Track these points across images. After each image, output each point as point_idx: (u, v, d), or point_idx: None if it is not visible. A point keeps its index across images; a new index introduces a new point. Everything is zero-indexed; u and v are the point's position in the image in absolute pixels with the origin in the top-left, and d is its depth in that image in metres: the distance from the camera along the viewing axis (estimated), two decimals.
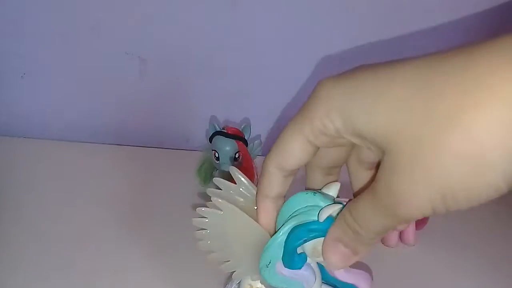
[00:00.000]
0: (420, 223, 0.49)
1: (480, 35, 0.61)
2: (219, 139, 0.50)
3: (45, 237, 0.46)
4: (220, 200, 0.29)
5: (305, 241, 0.27)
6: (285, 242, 0.28)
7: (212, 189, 0.31)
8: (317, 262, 0.30)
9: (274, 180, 0.28)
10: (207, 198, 0.30)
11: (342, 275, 0.30)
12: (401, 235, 0.49)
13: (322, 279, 0.31)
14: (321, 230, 0.27)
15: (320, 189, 0.29)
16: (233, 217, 0.29)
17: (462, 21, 0.60)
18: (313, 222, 0.27)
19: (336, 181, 0.30)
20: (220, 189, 0.31)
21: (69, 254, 0.44)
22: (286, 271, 0.28)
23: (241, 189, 0.31)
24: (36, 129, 0.67)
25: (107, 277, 0.42)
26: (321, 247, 0.27)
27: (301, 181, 0.31)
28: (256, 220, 0.29)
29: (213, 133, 0.51)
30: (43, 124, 0.67)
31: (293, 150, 0.26)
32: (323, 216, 0.26)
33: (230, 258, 0.30)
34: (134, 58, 0.63)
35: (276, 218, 0.29)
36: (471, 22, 0.60)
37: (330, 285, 0.31)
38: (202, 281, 0.40)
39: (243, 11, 0.59)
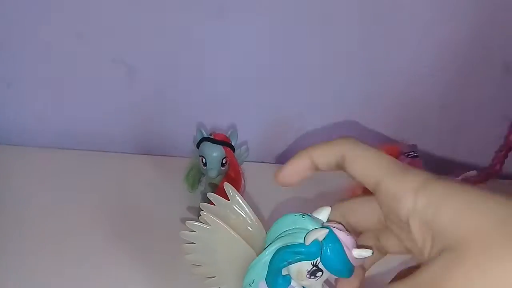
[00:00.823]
0: None
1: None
2: (206, 145, 0.50)
3: (30, 243, 0.46)
4: (209, 215, 0.29)
5: (290, 263, 0.27)
6: (270, 262, 0.28)
7: (206, 203, 0.31)
8: (302, 286, 0.29)
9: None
10: (195, 210, 0.30)
11: None
12: None
13: None
14: (306, 253, 0.27)
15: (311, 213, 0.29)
16: (221, 233, 0.29)
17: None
18: (299, 244, 0.27)
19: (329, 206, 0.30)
20: (213, 204, 0.31)
21: (54, 263, 0.44)
22: None
23: (234, 206, 0.31)
24: (22, 137, 0.66)
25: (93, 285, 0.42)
26: (305, 270, 0.27)
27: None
28: (245, 238, 0.29)
29: (200, 139, 0.51)
30: (29, 132, 0.67)
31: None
32: (309, 240, 0.26)
33: (215, 274, 0.30)
34: (120, 65, 0.63)
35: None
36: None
37: None
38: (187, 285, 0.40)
39: (230, 19, 0.59)
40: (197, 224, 0.30)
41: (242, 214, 0.31)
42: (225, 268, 0.30)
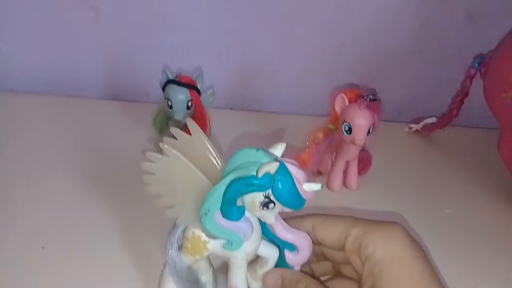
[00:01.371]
0: (363, 168, 0.52)
1: None
2: (171, 87, 0.50)
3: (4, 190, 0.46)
4: (167, 147, 0.30)
5: (242, 194, 0.29)
6: (224, 193, 0.29)
7: (168, 137, 0.32)
8: (257, 219, 0.31)
9: None
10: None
11: (282, 234, 0.32)
12: (344, 180, 0.52)
13: (263, 235, 0.32)
14: (258, 185, 0.28)
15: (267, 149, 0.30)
16: (179, 164, 0.30)
17: None
18: (252, 176, 0.28)
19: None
20: (176, 139, 0.32)
21: (26, 203, 0.45)
22: (224, 222, 0.29)
23: (195, 141, 0.31)
24: None
25: (65, 220, 0.43)
26: (258, 201, 0.28)
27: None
28: (204, 171, 0.30)
29: (166, 82, 0.51)
30: None
31: None
32: (261, 172, 0.27)
33: (174, 204, 0.31)
34: (87, 7, 0.62)
35: None
36: None
37: (270, 241, 0.33)
38: (150, 227, 0.42)
39: None
40: (157, 155, 0.30)
41: (203, 149, 0.32)
42: (184, 199, 0.31)
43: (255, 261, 0.34)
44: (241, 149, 0.30)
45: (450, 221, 0.49)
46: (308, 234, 0.33)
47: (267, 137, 0.59)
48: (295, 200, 0.29)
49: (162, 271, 0.34)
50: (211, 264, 0.35)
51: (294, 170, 0.28)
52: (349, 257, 0.31)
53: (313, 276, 0.35)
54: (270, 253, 0.32)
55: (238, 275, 0.32)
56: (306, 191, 0.29)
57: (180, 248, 0.32)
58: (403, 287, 0.28)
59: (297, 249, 0.32)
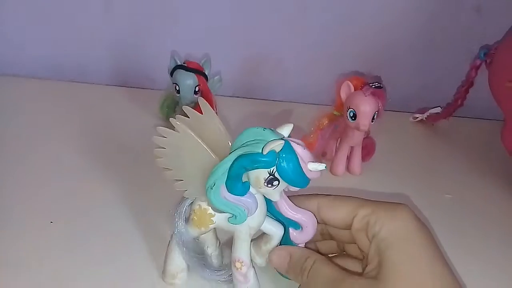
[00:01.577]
0: (367, 154, 0.53)
1: None
2: (179, 73, 0.51)
3: (9, 169, 0.47)
4: (178, 123, 0.31)
5: (247, 170, 0.29)
6: (229, 168, 0.30)
7: (181, 115, 0.33)
8: (263, 196, 0.31)
9: None
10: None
11: (287, 211, 0.32)
12: (348, 166, 0.52)
13: (269, 212, 0.33)
14: (263, 161, 0.29)
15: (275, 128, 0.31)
16: (188, 140, 0.31)
17: None
18: (257, 153, 0.29)
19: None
20: (188, 117, 0.33)
21: (35, 181, 0.46)
22: (229, 196, 0.30)
23: (206, 118, 0.32)
24: None
25: (72, 197, 0.44)
26: (262, 178, 0.29)
27: None
28: (212, 148, 0.31)
29: (174, 67, 0.52)
30: (5, 61, 0.67)
31: None
32: (267, 149, 0.28)
33: (183, 178, 0.32)
34: None
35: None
36: None
37: (275, 219, 0.33)
38: (157, 204, 0.43)
39: None
40: (167, 130, 0.31)
41: (213, 127, 0.32)
42: (191, 173, 0.32)
43: (260, 237, 0.35)
44: (248, 127, 0.31)
45: (450, 207, 0.49)
46: (313, 214, 0.33)
47: (273, 122, 0.60)
48: (299, 178, 0.29)
49: (169, 242, 0.35)
50: (217, 238, 0.36)
51: (299, 149, 0.29)
52: (355, 236, 0.32)
53: (318, 253, 0.36)
54: (274, 230, 0.33)
55: (242, 249, 0.33)
56: (310, 171, 0.29)
57: (187, 220, 0.33)
58: (410, 264, 0.28)
59: (302, 227, 0.33)
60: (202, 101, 0.33)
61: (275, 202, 0.32)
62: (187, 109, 0.33)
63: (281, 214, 0.33)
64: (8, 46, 0.67)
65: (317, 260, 0.32)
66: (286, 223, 0.33)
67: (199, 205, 0.33)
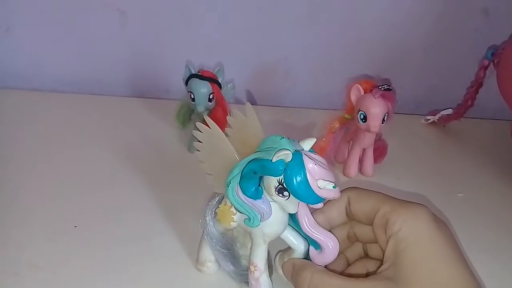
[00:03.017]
0: (379, 156, 0.54)
1: None
2: (194, 81, 0.53)
3: (30, 180, 0.49)
4: (210, 119, 0.33)
5: (256, 174, 0.31)
6: (243, 170, 0.31)
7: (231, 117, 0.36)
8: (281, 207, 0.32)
9: None
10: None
11: (306, 228, 0.32)
12: (361, 167, 0.53)
13: (294, 226, 0.34)
14: (270, 168, 0.30)
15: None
16: (217, 137, 0.33)
17: None
18: (267, 160, 0.30)
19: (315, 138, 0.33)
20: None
21: (61, 187, 0.48)
22: (243, 197, 0.31)
23: (249, 122, 0.35)
24: (19, 80, 0.69)
25: (96, 202, 0.46)
26: (273, 186, 0.30)
27: None
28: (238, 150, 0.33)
29: (188, 76, 0.54)
30: (26, 76, 0.70)
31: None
32: (276, 157, 0.29)
33: (212, 172, 0.34)
34: (113, 10, 0.65)
35: None
36: None
37: (299, 233, 0.34)
38: (187, 200, 0.45)
39: None
40: (203, 126, 0.34)
41: (253, 130, 0.35)
42: (219, 169, 0.34)
43: (286, 250, 0.36)
44: (270, 135, 0.32)
45: (462, 206, 0.50)
46: (346, 208, 0.34)
47: (284, 129, 0.62)
48: (304, 193, 0.29)
49: (201, 236, 0.37)
50: (250, 240, 0.37)
51: (310, 164, 0.29)
52: (375, 231, 0.32)
53: (348, 263, 0.36)
54: (296, 243, 0.34)
55: (256, 253, 0.34)
56: (319, 188, 0.29)
57: (215, 215, 0.35)
58: (428, 266, 0.28)
59: (321, 249, 0.33)
60: (248, 106, 0.35)
61: (297, 216, 0.32)
62: (235, 112, 0.36)
63: (303, 231, 0.33)
64: (28, 62, 0.69)
65: (314, 272, 0.32)
66: (308, 240, 0.33)
67: (225, 202, 0.34)
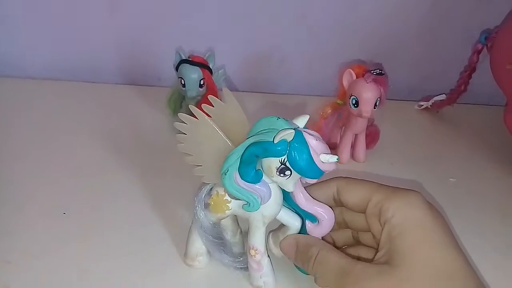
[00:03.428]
0: (371, 142, 0.53)
1: None
2: (184, 67, 0.52)
3: (27, 166, 0.49)
4: (196, 109, 0.32)
5: (258, 157, 0.30)
6: (242, 155, 0.30)
7: (206, 104, 0.34)
8: (278, 186, 0.32)
9: None
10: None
11: (303, 203, 0.33)
12: (353, 153, 0.53)
13: (288, 204, 0.33)
14: (273, 150, 0.29)
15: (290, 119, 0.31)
16: (205, 126, 0.32)
17: None
18: (269, 142, 0.29)
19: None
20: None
21: (50, 174, 0.48)
22: (242, 183, 0.31)
23: (230, 108, 0.34)
24: (10, 68, 0.69)
25: (84, 189, 0.46)
26: (274, 167, 0.30)
27: None
28: (228, 135, 0.32)
29: (179, 62, 0.53)
30: (17, 64, 0.69)
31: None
32: (278, 138, 0.29)
33: (201, 163, 0.33)
34: None
35: None
36: None
37: (294, 211, 0.34)
38: (179, 189, 0.44)
39: None
40: (188, 117, 0.32)
41: (235, 116, 0.34)
42: (209, 159, 0.33)
43: (278, 228, 0.35)
44: (263, 117, 0.31)
45: (454, 190, 0.50)
46: (333, 196, 0.34)
47: (281, 114, 0.61)
48: (309, 169, 0.29)
49: (190, 227, 0.36)
50: (238, 226, 0.37)
51: (312, 140, 0.29)
52: (368, 221, 0.32)
53: (334, 245, 0.36)
54: (292, 221, 0.34)
55: (256, 237, 0.34)
56: (322, 162, 0.29)
57: (206, 205, 0.34)
58: (422, 250, 0.28)
59: (318, 221, 0.33)
60: (226, 91, 0.34)
61: (292, 193, 0.32)
62: (212, 98, 0.34)
63: (298, 206, 0.33)
64: (19, 50, 0.69)
65: (322, 248, 0.32)
66: (303, 215, 0.34)
67: (216, 191, 0.33)
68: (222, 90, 0.35)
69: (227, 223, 0.36)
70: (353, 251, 0.35)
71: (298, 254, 0.33)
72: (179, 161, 0.33)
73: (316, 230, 0.33)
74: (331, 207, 0.33)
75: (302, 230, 0.34)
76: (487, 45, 0.54)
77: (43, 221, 0.41)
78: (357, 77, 0.49)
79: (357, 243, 0.36)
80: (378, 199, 0.31)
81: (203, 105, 0.34)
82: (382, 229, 0.30)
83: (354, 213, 0.34)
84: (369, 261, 0.31)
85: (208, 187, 0.35)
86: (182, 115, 0.32)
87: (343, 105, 0.51)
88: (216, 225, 0.35)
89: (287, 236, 0.34)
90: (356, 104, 0.48)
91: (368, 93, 0.47)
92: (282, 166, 0.30)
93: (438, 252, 0.28)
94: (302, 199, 0.33)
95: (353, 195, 0.33)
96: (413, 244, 0.29)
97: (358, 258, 0.34)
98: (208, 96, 0.34)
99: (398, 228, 0.29)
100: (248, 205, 0.32)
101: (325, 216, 0.33)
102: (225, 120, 0.33)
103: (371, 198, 0.32)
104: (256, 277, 0.35)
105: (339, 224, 0.36)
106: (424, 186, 0.49)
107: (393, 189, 0.32)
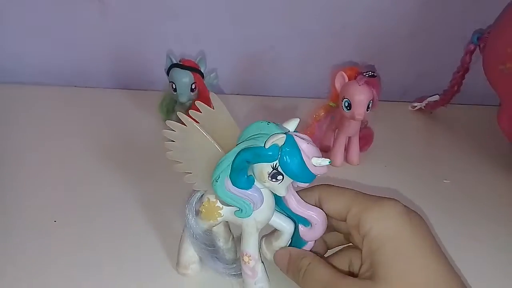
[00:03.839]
0: (365, 144, 0.53)
1: None
2: (175, 71, 0.52)
3: (18, 173, 0.48)
4: (185, 116, 0.31)
5: (249, 163, 0.30)
6: (233, 161, 0.30)
7: (193, 111, 0.33)
8: (270, 191, 0.32)
9: None
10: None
11: (295, 207, 0.32)
12: (346, 156, 0.53)
13: (280, 209, 0.33)
14: (264, 155, 0.29)
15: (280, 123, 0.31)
16: (196, 134, 0.31)
17: None
18: (260, 147, 0.29)
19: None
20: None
21: (41, 181, 0.47)
22: (234, 189, 0.30)
23: (218, 113, 0.33)
24: (1, 74, 0.68)
25: (76, 196, 0.45)
26: (266, 172, 0.29)
27: None
28: (218, 142, 0.32)
29: (170, 66, 0.53)
30: (7, 70, 0.68)
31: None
32: (269, 143, 0.28)
33: (191, 170, 0.33)
34: (93, 0, 0.64)
35: None
36: None
37: (286, 215, 0.33)
38: (171, 194, 0.43)
39: None
40: (176, 124, 0.32)
41: (224, 122, 0.33)
42: (200, 166, 0.32)
43: (271, 233, 0.35)
44: (253, 122, 0.31)
45: (448, 191, 0.49)
46: (316, 204, 0.33)
47: (277, 118, 0.61)
48: (302, 173, 0.29)
49: (182, 234, 0.36)
50: (230, 232, 0.37)
51: (303, 144, 0.29)
52: (350, 231, 0.32)
53: (327, 248, 0.36)
54: (284, 225, 0.33)
55: (249, 243, 0.33)
56: (314, 166, 0.29)
57: (197, 213, 0.34)
58: (402, 263, 0.28)
59: (311, 224, 0.33)
60: (213, 96, 0.34)
61: (284, 197, 0.32)
62: (199, 104, 0.34)
63: (290, 210, 0.33)
64: (9, 55, 0.68)
65: (312, 261, 0.32)
66: (296, 219, 0.33)
67: (207, 198, 0.33)
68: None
69: (219, 230, 0.36)
70: (343, 255, 0.35)
71: (290, 266, 0.33)
72: (172, 166, 0.33)
73: (309, 234, 0.33)
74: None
75: (295, 234, 0.34)
76: (479, 46, 0.53)
77: (33, 229, 0.40)
78: (349, 80, 0.48)
79: (348, 245, 0.36)
80: (356, 210, 0.31)
81: (191, 111, 0.34)
82: (363, 241, 0.30)
83: (338, 220, 0.34)
84: (354, 275, 0.31)
85: (199, 194, 0.34)
86: (171, 122, 0.32)
87: (336, 107, 0.51)
88: (208, 232, 0.35)
89: (281, 248, 0.34)
90: (349, 106, 0.47)
91: (360, 95, 0.47)
92: (274, 171, 0.29)
93: (419, 265, 0.28)
94: (294, 203, 0.32)
95: (333, 204, 0.33)
96: (390, 257, 0.28)
97: (350, 264, 0.34)
98: (195, 102, 0.34)
99: (376, 241, 0.29)
100: (241, 211, 0.31)
101: (318, 219, 0.33)
102: (214, 126, 0.33)
103: (350, 208, 0.31)
104: (250, 283, 0.34)
105: (329, 227, 0.35)
106: (418, 187, 0.49)
107: (370, 200, 0.31)
